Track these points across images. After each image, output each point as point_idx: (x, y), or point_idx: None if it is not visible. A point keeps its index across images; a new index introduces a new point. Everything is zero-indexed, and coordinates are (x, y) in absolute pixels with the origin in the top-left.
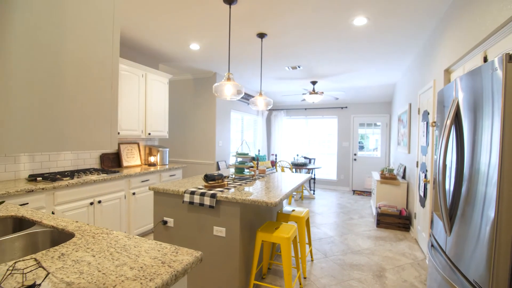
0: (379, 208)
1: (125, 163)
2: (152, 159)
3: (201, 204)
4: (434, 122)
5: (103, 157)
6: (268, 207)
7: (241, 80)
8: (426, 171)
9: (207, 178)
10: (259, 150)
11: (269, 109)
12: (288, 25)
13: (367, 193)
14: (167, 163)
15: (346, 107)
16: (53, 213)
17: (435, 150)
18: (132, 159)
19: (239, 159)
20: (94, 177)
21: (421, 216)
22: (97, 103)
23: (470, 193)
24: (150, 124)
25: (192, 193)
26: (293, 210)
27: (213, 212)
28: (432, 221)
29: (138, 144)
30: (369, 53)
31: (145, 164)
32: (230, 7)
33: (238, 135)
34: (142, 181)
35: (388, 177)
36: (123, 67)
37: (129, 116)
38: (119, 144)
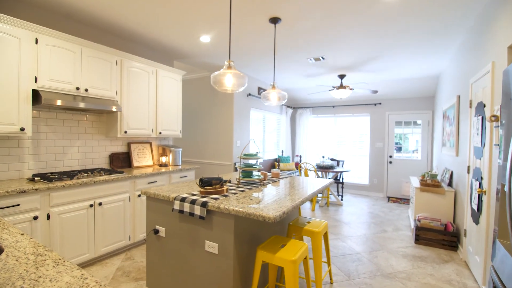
0: (419, 220)
1: (135, 163)
2: (163, 159)
3: (191, 214)
4: (495, 116)
5: (113, 157)
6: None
7: (257, 74)
8: (482, 178)
9: (202, 182)
10: (282, 151)
11: (294, 107)
12: (305, 7)
13: (404, 200)
14: (180, 163)
15: (380, 104)
16: (48, 215)
17: (499, 153)
18: (143, 159)
19: (246, 161)
20: (95, 178)
21: (474, 234)
22: None
23: None
24: (161, 122)
25: (183, 200)
26: (309, 222)
27: (204, 223)
28: (494, 250)
29: (150, 143)
30: (406, 36)
31: (157, 165)
32: None
33: (260, 135)
34: (149, 183)
35: (430, 184)
36: (134, 63)
37: (138, 114)
38: (129, 143)
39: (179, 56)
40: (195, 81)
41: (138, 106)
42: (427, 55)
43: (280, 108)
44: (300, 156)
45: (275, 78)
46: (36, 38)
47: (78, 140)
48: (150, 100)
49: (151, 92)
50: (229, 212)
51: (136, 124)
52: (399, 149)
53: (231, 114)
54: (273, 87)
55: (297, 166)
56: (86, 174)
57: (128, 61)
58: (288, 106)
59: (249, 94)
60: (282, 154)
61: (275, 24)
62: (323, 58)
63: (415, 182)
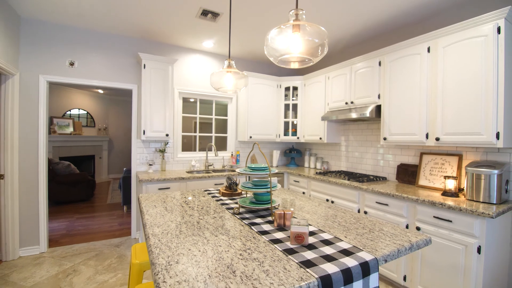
0: None
1: (422, 181)
2: (450, 184)
3: None
4: None
5: (400, 168)
6: None
7: None
8: None
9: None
10: None
11: None
12: None
13: None
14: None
15: None
16: (303, 193)
17: None
18: (437, 178)
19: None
20: (336, 179)
21: None
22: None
23: None
24: (443, 120)
25: None
26: None
27: None
28: None
29: (460, 156)
30: None
31: (451, 193)
32: None
33: None
34: (376, 202)
35: None
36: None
37: (402, 115)
38: (421, 153)
39: None
40: None
41: (403, 104)
42: None
43: None
44: None
45: None
46: (327, 76)
47: (372, 147)
48: (422, 90)
49: (422, 80)
50: None
51: (399, 128)
52: None
53: None
54: None
55: None
56: (357, 177)
57: (389, 55)
58: None
59: None
60: None
61: None
62: None
63: None
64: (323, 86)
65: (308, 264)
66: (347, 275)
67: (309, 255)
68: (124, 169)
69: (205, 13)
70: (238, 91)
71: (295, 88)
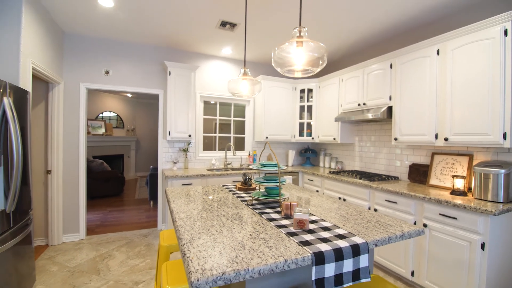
0: None
1: (433, 181)
2: (459, 183)
3: None
4: None
5: (412, 168)
6: None
7: None
8: None
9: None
10: None
11: None
12: None
13: None
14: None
15: None
16: (317, 191)
17: None
18: (447, 177)
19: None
20: (348, 178)
21: None
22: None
23: None
24: (452, 120)
25: None
26: None
27: None
28: None
29: (470, 156)
30: None
31: (459, 192)
32: None
33: None
34: (386, 200)
35: None
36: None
37: (412, 115)
38: (432, 154)
39: None
40: None
41: (414, 106)
42: None
43: None
44: None
45: None
46: (341, 78)
47: (385, 147)
48: (431, 92)
49: (432, 82)
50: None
51: (409, 129)
52: None
53: None
54: None
55: None
56: (370, 177)
57: (400, 57)
58: None
59: None
60: None
61: None
62: None
63: None
64: (336, 88)
65: (305, 243)
66: (338, 253)
67: (308, 237)
68: (151, 167)
69: (223, 24)
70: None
71: (310, 90)
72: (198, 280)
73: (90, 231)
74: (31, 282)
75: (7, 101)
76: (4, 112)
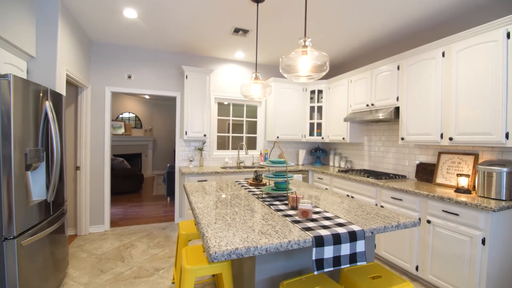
0: None
1: (439, 179)
2: (463, 181)
3: None
4: None
5: (419, 167)
6: None
7: None
8: None
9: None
10: None
11: None
12: None
13: None
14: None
15: None
16: (326, 189)
17: None
18: (453, 176)
19: (274, 170)
20: (356, 177)
21: None
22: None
23: None
24: (456, 120)
25: None
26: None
27: None
28: None
29: (476, 155)
30: None
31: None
32: None
33: None
34: (392, 197)
35: None
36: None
37: (419, 115)
38: (439, 153)
39: None
40: None
41: (420, 106)
42: None
43: None
44: None
45: None
46: (350, 80)
47: (393, 147)
48: (437, 93)
49: (437, 83)
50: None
51: (415, 128)
52: None
53: None
54: None
55: None
56: (379, 176)
57: (407, 59)
58: None
59: None
60: None
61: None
62: None
63: None
64: (346, 89)
65: (308, 229)
66: (336, 238)
67: (310, 224)
68: (168, 165)
69: (237, 30)
70: (264, 98)
71: (320, 91)
72: (215, 253)
73: (114, 223)
74: (65, 265)
75: (48, 105)
76: (46, 114)
